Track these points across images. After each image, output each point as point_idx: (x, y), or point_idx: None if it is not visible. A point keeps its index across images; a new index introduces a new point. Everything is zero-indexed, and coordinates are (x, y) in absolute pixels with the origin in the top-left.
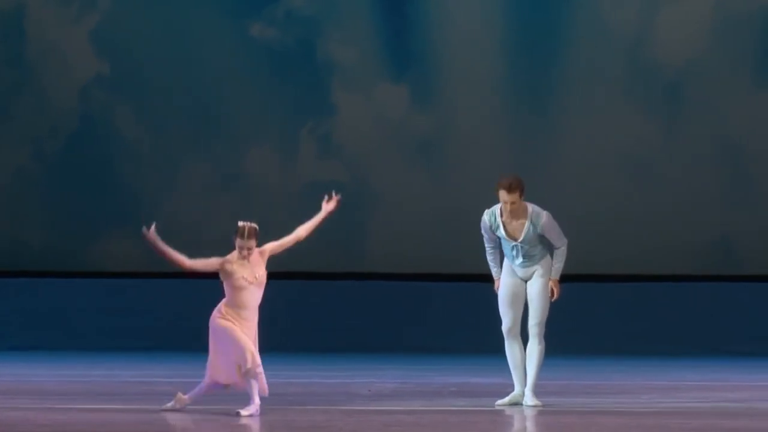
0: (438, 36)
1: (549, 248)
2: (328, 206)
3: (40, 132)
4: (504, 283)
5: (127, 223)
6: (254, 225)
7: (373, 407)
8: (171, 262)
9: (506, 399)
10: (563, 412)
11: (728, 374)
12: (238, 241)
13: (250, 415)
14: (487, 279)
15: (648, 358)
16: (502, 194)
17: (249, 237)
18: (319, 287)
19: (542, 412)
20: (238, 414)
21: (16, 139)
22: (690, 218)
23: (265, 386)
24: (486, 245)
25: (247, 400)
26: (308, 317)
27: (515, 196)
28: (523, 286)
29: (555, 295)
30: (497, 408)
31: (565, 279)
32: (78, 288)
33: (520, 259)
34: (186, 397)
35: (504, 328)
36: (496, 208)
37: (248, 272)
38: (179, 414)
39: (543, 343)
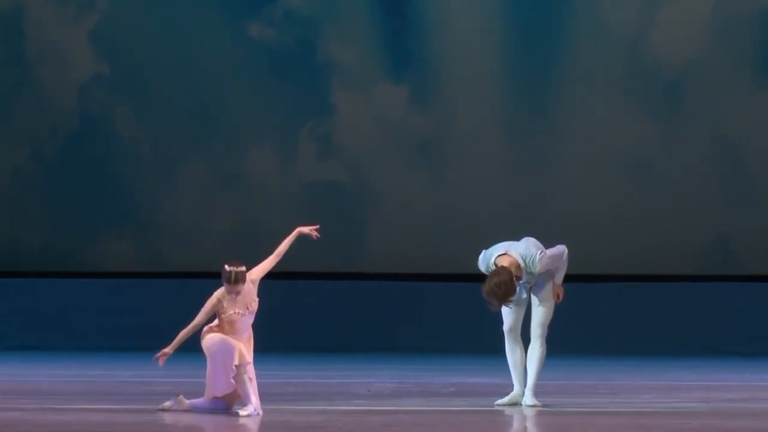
0: (437, 36)
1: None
2: (302, 229)
3: (40, 132)
4: None
5: (126, 224)
6: (241, 269)
7: (371, 407)
8: (188, 338)
9: (506, 399)
10: (562, 412)
11: (728, 374)
12: (225, 285)
13: (248, 415)
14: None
15: (647, 358)
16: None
17: (236, 282)
18: (319, 287)
19: (541, 413)
20: (236, 414)
21: (15, 139)
22: (689, 218)
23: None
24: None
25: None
26: (307, 317)
27: (516, 286)
28: (527, 289)
29: (560, 299)
30: (496, 408)
31: (564, 279)
32: (77, 288)
33: (524, 293)
34: (186, 402)
35: (505, 327)
36: (490, 259)
37: (240, 306)
38: (177, 415)
39: (545, 345)
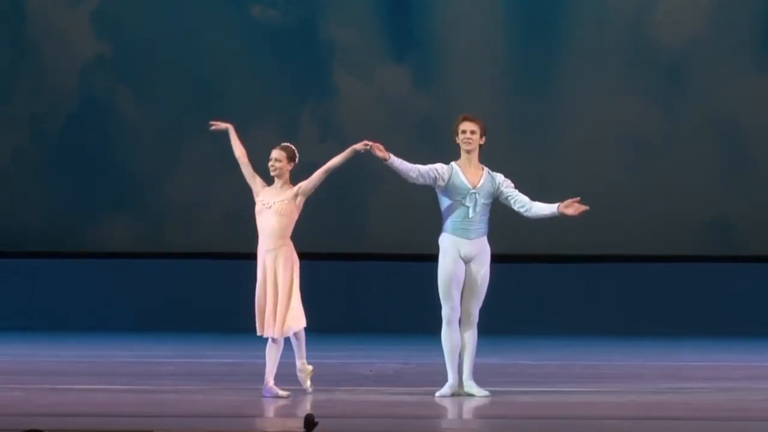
0: (439, 16)
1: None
2: (356, 146)
3: (41, 112)
4: (446, 265)
5: (127, 204)
6: (290, 145)
7: (374, 388)
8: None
9: (446, 390)
10: (565, 392)
11: (729, 354)
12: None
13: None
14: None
15: (648, 339)
16: (464, 124)
17: (279, 149)
18: (320, 268)
19: (545, 393)
20: (238, 391)
21: (17, 119)
22: (690, 199)
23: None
24: (416, 168)
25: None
26: (308, 298)
27: (475, 126)
28: (464, 268)
29: (581, 206)
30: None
31: (565, 260)
32: (78, 268)
33: (474, 214)
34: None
35: (445, 314)
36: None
37: (270, 198)
38: (180, 394)
39: (476, 331)
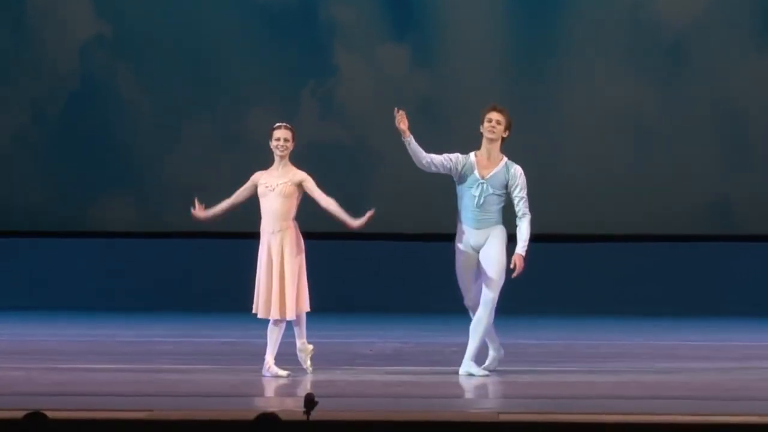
0: None
1: (502, 216)
2: (362, 219)
3: (41, 93)
4: (458, 257)
5: (127, 184)
6: (288, 125)
7: (374, 367)
8: (223, 214)
9: (488, 362)
10: (565, 372)
11: (729, 334)
12: (274, 136)
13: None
14: None
15: (648, 318)
16: (492, 113)
17: (286, 129)
18: (319, 247)
19: (545, 372)
20: (239, 372)
21: (17, 100)
22: (690, 179)
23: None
24: (429, 156)
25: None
26: (308, 278)
27: (502, 117)
28: (476, 258)
29: (518, 270)
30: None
31: (566, 239)
32: (78, 248)
33: (479, 207)
34: (272, 364)
35: (465, 303)
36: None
37: (273, 180)
38: (179, 374)
39: (491, 314)
